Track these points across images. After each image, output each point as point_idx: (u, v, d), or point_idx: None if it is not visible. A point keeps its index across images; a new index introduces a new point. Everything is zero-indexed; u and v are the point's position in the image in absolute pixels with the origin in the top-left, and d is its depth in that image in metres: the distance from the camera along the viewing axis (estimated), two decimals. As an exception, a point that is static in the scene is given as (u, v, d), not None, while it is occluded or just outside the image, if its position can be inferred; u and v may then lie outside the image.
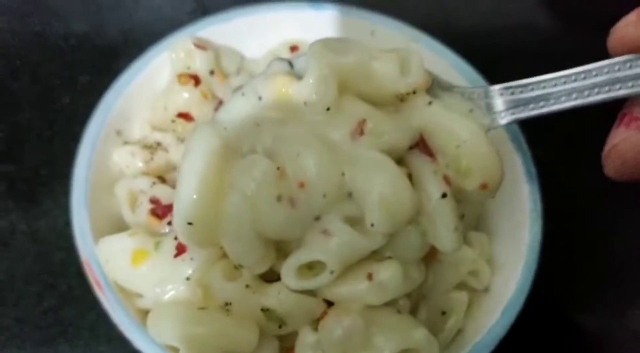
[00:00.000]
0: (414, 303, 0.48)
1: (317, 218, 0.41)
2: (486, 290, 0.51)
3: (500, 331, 0.46)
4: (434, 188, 0.41)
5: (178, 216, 0.40)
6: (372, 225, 0.40)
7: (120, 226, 0.50)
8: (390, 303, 0.45)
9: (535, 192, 0.51)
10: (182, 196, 0.40)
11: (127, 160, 0.51)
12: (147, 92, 0.54)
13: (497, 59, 0.62)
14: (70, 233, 0.47)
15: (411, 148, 0.43)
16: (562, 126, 0.67)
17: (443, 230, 0.41)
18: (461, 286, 0.50)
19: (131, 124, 0.54)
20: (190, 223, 0.40)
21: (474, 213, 0.54)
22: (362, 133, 0.43)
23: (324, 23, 0.59)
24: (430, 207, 0.41)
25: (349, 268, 0.43)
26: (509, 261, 0.50)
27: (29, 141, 0.64)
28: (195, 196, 0.40)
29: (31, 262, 0.58)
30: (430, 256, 0.47)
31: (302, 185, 0.40)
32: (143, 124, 0.54)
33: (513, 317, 0.46)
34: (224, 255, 0.44)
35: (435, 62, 0.56)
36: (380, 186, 0.39)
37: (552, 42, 0.76)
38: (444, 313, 0.49)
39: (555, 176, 0.54)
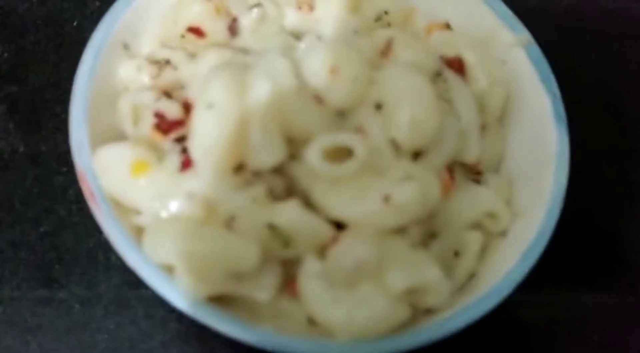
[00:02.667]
0: (427, 236, 0.45)
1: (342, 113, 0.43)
2: (504, 234, 0.47)
3: (517, 277, 0.42)
4: (466, 108, 0.46)
5: (200, 125, 0.41)
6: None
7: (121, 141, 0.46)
8: (404, 234, 0.42)
9: (563, 135, 0.47)
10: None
11: (132, 74, 0.48)
12: (158, 6, 0.51)
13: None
14: (71, 158, 0.44)
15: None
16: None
17: (471, 143, 0.45)
18: (477, 227, 0.47)
19: (139, 39, 0.51)
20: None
21: (494, 150, 0.51)
22: (390, 51, 0.47)
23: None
24: (462, 124, 0.45)
25: (364, 189, 0.40)
26: (531, 207, 0.46)
27: (34, 63, 0.61)
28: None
29: (30, 185, 0.55)
30: (446, 190, 0.44)
31: (334, 70, 0.42)
32: (152, 39, 0.51)
33: (532, 263, 0.43)
34: (232, 172, 0.42)
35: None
36: (411, 104, 0.42)
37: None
38: (456, 253, 0.46)
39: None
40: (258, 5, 0.51)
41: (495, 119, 0.50)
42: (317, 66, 0.44)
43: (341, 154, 0.41)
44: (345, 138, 0.41)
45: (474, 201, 0.46)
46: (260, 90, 0.40)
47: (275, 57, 0.42)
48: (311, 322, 0.42)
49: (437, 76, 0.48)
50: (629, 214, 0.60)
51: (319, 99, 0.43)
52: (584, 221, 0.57)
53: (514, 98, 0.51)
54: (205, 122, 0.40)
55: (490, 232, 0.47)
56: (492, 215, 0.46)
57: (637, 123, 0.65)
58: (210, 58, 0.46)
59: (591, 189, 0.58)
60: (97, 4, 0.65)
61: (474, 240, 0.45)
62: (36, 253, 0.53)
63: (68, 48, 0.62)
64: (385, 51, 0.49)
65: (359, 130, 0.42)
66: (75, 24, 0.63)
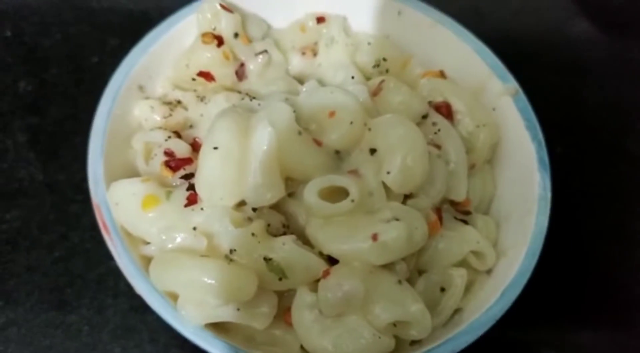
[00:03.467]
0: (413, 272, 0.48)
1: (338, 152, 0.47)
2: (489, 272, 0.50)
3: (498, 312, 0.45)
4: (453, 150, 0.50)
5: (205, 165, 0.45)
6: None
7: (134, 176, 0.50)
8: (391, 270, 0.45)
9: (546, 180, 0.50)
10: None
11: (146, 114, 0.52)
12: (172, 51, 0.55)
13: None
14: (87, 187, 0.48)
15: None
16: (584, 123, 0.68)
17: (459, 182, 0.49)
18: (463, 264, 0.49)
19: (154, 81, 0.55)
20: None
21: (486, 192, 0.54)
22: (380, 92, 0.52)
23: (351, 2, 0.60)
24: (451, 165, 0.49)
25: (354, 227, 0.43)
26: (514, 247, 0.49)
27: (55, 97, 0.65)
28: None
29: (46, 212, 0.59)
30: (434, 229, 0.47)
31: (332, 114, 0.46)
32: (165, 82, 0.55)
33: (512, 299, 0.46)
34: (233, 208, 0.45)
35: (459, 46, 0.56)
36: (402, 153, 0.46)
37: (584, 47, 0.76)
38: (442, 289, 0.48)
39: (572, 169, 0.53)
40: (264, 52, 0.55)
41: (483, 160, 0.53)
42: (316, 110, 0.48)
43: (336, 193, 0.45)
44: (340, 180, 0.45)
45: (460, 240, 0.49)
46: (263, 134, 0.44)
47: (277, 103, 0.46)
48: (304, 349, 0.45)
49: (423, 118, 0.52)
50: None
51: (317, 141, 0.47)
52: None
53: (502, 143, 0.54)
54: (211, 162, 0.44)
55: (475, 269, 0.49)
56: (478, 254, 0.49)
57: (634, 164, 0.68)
58: (218, 101, 0.50)
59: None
60: (117, 41, 0.69)
61: (460, 277, 0.48)
62: (49, 277, 0.56)
63: (88, 83, 0.66)
64: (376, 91, 0.52)
65: (354, 173, 0.46)
66: (95, 60, 0.68)
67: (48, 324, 0.54)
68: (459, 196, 0.50)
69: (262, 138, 0.44)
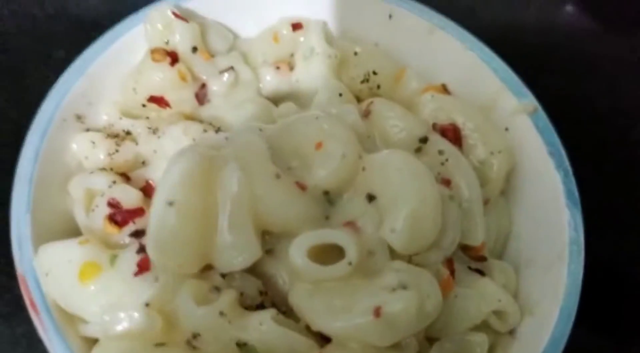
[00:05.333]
0: (422, 342, 0.38)
1: (327, 193, 0.38)
2: (512, 333, 0.41)
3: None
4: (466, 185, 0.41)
5: (158, 225, 0.35)
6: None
7: (74, 233, 0.40)
8: (398, 347, 0.36)
9: (577, 218, 0.41)
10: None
11: (87, 150, 0.42)
12: (117, 71, 0.45)
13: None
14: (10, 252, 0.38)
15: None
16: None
17: (474, 224, 0.40)
18: (482, 327, 0.40)
19: (96, 108, 0.45)
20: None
21: (501, 231, 0.45)
22: (369, 112, 0.43)
23: (333, 3, 0.50)
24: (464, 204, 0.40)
25: (351, 296, 0.34)
26: (542, 302, 0.40)
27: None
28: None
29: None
30: (446, 288, 0.38)
31: (319, 146, 0.38)
32: (110, 108, 0.45)
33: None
34: (196, 275, 0.36)
35: (463, 55, 0.47)
36: (408, 204, 0.36)
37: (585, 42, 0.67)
38: (460, 359, 0.39)
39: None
40: (229, 69, 0.45)
41: (498, 193, 0.45)
42: (298, 142, 0.39)
43: (327, 251, 0.36)
44: (335, 236, 0.35)
45: (478, 298, 0.40)
46: (231, 180, 0.34)
47: (247, 137, 0.37)
48: None
49: (422, 142, 0.43)
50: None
51: (301, 184, 0.37)
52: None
53: (518, 170, 0.46)
54: (165, 221, 0.34)
55: (496, 331, 0.41)
56: (499, 312, 0.40)
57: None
58: (174, 134, 0.41)
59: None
60: (62, 53, 0.59)
61: (480, 344, 0.39)
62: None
63: (30, 104, 0.53)
64: (365, 113, 0.43)
65: (351, 225, 0.37)
66: (38, 77, 0.57)
67: None
68: (475, 240, 0.41)
69: (230, 186, 0.34)
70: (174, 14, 0.43)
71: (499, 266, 0.43)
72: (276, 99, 0.48)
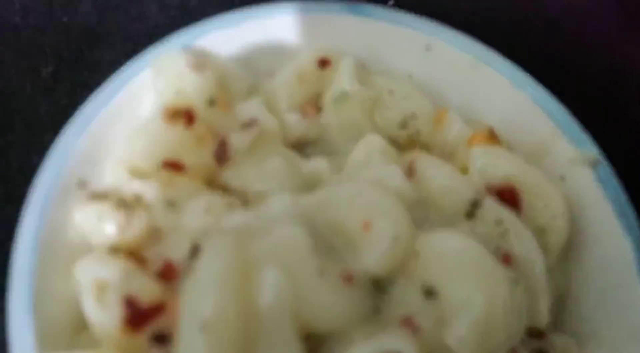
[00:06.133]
0: None
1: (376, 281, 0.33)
2: None
3: None
4: (530, 260, 0.36)
5: None
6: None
7: (80, 322, 0.35)
8: None
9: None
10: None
11: (92, 224, 0.37)
12: (122, 125, 0.39)
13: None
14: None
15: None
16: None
17: (540, 305, 0.36)
18: None
19: (100, 168, 0.39)
20: None
21: (557, 299, 0.40)
22: (414, 172, 0.39)
23: (363, 32, 0.44)
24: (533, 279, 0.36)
25: None
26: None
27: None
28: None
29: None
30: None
31: (367, 226, 0.33)
32: (116, 169, 0.39)
33: None
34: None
35: (511, 94, 0.42)
36: (478, 303, 0.32)
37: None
38: None
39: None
40: (253, 122, 0.39)
41: (555, 260, 0.40)
42: (341, 220, 0.34)
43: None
44: (395, 345, 0.30)
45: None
46: (269, 288, 0.29)
47: (285, 231, 0.32)
48: None
49: (473, 206, 0.38)
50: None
51: (346, 275, 0.32)
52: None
53: (577, 229, 0.41)
54: (197, 349, 0.29)
55: None
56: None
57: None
58: (196, 212, 0.35)
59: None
60: (50, 68, 0.53)
61: None
62: None
63: (17, 131, 0.49)
64: (410, 173, 0.38)
65: (408, 323, 0.32)
66: (24, 97, 0.51)
67: None
68: (541, 321, 0.36)
69: (269, 294, 0.29)
70: (190, 65, 0.37)
71: (561, 342, 0.38)
72: (302, 144, 0.43)
